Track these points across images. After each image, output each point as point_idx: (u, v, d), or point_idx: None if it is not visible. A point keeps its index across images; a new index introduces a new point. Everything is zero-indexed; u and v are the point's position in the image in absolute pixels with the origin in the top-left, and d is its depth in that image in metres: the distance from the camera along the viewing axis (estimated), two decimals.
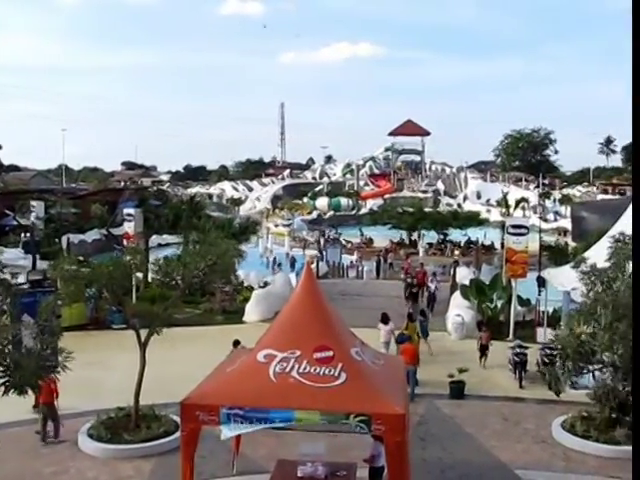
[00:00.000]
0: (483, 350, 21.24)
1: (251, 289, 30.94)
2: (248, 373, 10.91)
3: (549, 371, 15.25)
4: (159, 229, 37.21)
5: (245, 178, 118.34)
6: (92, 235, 48.30)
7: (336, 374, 10.58)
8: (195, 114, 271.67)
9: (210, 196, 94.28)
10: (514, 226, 25.96)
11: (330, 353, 10.80)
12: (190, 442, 10.92)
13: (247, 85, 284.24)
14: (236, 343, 17.24)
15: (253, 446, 14.02)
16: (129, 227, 33.03)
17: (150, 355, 15.40)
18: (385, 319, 21.87)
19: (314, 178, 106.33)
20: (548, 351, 17.67)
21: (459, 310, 26.12)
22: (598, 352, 14.35)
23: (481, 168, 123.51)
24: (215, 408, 10.49)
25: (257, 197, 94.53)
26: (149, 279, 29.29)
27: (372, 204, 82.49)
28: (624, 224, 18.25)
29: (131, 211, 33.66)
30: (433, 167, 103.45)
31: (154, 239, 42.07)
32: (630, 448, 14.83)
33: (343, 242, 53.06)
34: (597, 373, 15.54)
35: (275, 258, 42.26)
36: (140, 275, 26.77)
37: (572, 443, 15.28)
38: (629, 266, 15.43)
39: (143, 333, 15.35)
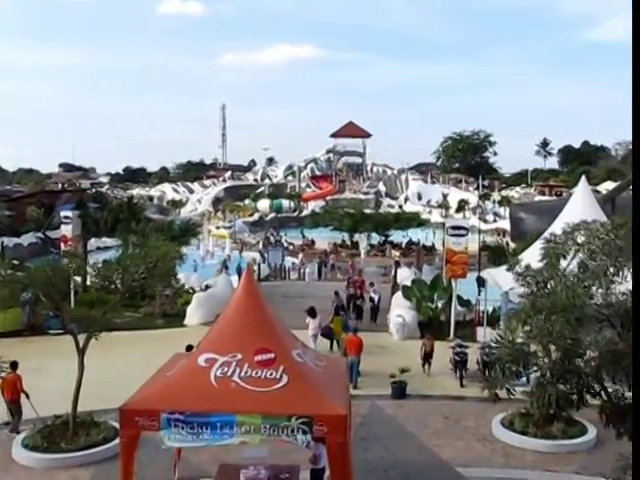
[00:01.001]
0: (426, 358, 20.94)
1: (192, 292, 30.66)
2: (189, 377, 10.76)
3: (485, 378, 15.49)
4: (98, 232, 36.49)
5: (186, 180, 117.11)
6: (28, 238, 47.27)
7: (277, 376, 10.52)
8: (135, 115, 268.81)
9: (150, 198, 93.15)
10: (454, 227, 26.28)
11: (271, 355, 10.74)
12: (129, 448, 10.71)
13: (187, 86, 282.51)
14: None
15: (195, 451, 13.72)
16: (67, 230, 32.34)
17: (89, 360, 15.08)
18: (312, 313, 22.50)
19: (255, 180, 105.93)
20: (487, 350, 17.93)
21: (400, 310, 26.34)
22: (532, 356, 14.60)
23: (422, 170, 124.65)
24: (155, 413, 10.31)
25: (198, 199, 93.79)
26: (88, 283, 28.75)
27: (314, 206, 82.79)
28: (560, 225, 18.59)
29: (69, 214, 32.96)
30: (374, 169, 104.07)
31: (93, 242, 41.35)
32: (566, 442, 15.29)
33: (285, 244, 53.03)
34: (532, 375, 15.83)
35: (225, 260, 41.97)
36: (78, 279, 26.25)
37: (511, 439, 15.59)
38: (561, 265, 15.74)
39: (81, 338, 15.03)
